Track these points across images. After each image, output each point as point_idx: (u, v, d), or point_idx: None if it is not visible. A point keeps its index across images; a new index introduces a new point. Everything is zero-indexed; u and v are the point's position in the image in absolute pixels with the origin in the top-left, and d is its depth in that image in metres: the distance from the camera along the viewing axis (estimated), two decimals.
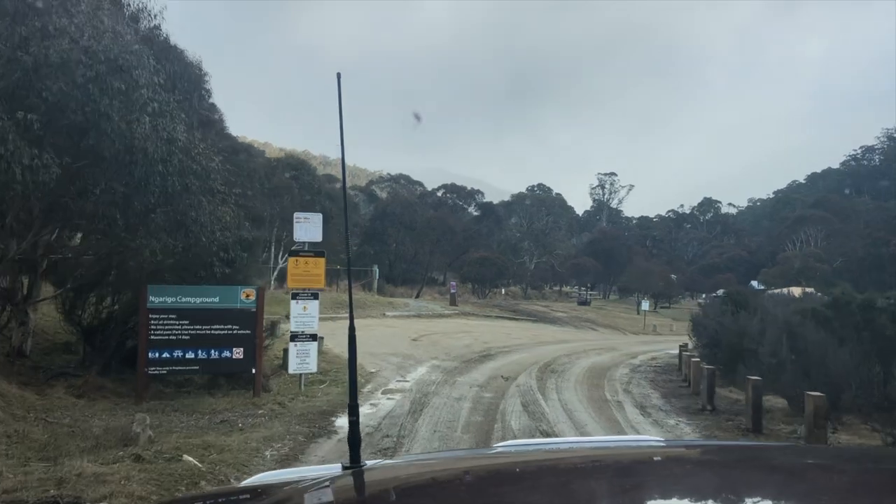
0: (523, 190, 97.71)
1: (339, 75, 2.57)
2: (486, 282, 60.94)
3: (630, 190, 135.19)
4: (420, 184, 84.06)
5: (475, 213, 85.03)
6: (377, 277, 45.52)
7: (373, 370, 18.53)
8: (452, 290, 43.98)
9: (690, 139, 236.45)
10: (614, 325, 40.43)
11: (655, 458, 2.13)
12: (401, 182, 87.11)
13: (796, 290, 69.18)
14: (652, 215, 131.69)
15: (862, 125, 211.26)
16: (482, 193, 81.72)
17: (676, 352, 28.52)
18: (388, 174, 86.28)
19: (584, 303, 58.39)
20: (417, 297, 52.54)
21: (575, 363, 22.53)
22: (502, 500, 1.65)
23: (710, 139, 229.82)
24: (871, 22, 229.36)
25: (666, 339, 36.51)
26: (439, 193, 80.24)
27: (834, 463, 2.07)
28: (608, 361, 23.85)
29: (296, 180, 42.85)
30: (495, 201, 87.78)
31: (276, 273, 45.07)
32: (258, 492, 1.86)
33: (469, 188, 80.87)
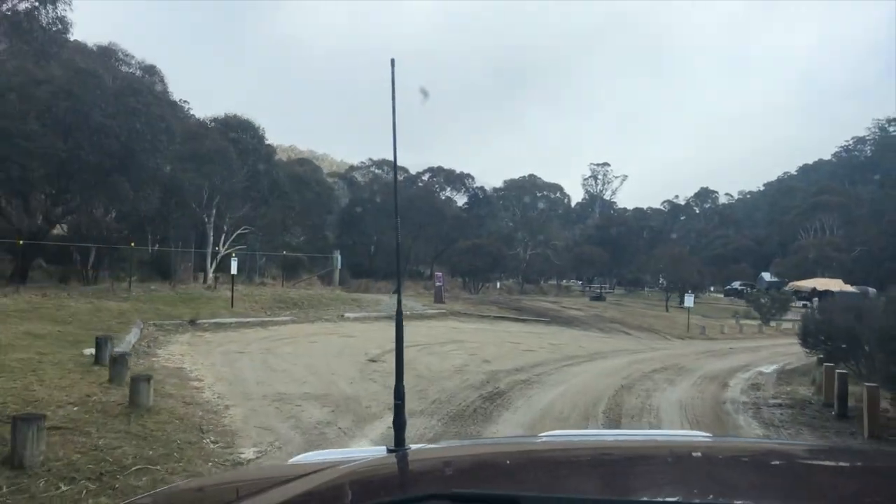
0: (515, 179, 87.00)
1: (392, 61, 2.42)
2: (479, 275, 49.96)
3: (623, 180, 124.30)
4: (405, 169, 72.93)
5: (465, 202, 74.24)
6: (339, 267, 34.61)
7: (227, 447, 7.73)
8: (438, 284, 33.05)
9: (681, 130, 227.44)
10: (648, 326, 29.62)
11: (698, 453, 1.99)
12: (383, 168, 76.00)
13: (824, 282, 58.44)
14: (645, 207, 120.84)
15: (852, 117, 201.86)
16: (472, 177, 70.78)
17: (770, 370, 18.17)
18: (371, 159, 75.17)
19: (597, 298, 47.36)
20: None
21: (655, 404, 11.79)
22: (543, 485, 1.59)
23: (701, 130, 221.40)
24: (858, 12, 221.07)
25: (729, 345, 25.71)
26: (425, 177, 69.25)
27: (880, 467, 1.91)
28: (708, 402, 12.99)
29: (235, 145, 31.89)
30: (487, 188, 76.94)
31: (215, 263, 34.04)
32: (306, 470, 1.75)
33: (458, 171, 69.84)
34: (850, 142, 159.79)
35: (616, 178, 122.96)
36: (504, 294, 49.88)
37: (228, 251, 34.95)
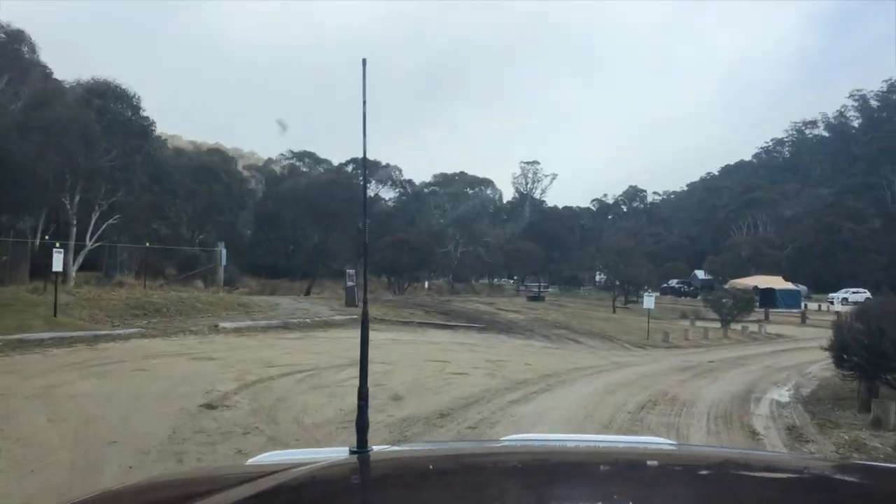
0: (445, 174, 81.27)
1: (364, 61, 2.34)
2: (405, 273, 43.88)
3: (553, 179, 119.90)
4: (327, 161, 66.37)
5: (392, 196, 68.26)
6: (223, 263, 27.96)
7: None
8: (350, 283, 26.83)
9: (609, 131, 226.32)
10: (600, 332, 24.20)
11: (655, 461, 1.93)
12: (305, 160, 69.30)
13: (765, 280, 54.47)
14: (574, 206, 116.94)
15: (771, 119, 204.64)
16: (400, 170, 64.78)
17: (785, 397, 13.08)
18: (291, 151, 68.21)
19: (536, 298, 41.73)
20: (308, 294, 35.39)
21: None
22: (503, 490, 1.55)
23: (628, 131, 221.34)
24: (776, 18, 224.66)
25: (705, 357, 20.48)
26: (349, 168, 62.85)
27: (846, 478, 1.84)
28: None
29: (102, 116, 25.08)
30: (416, 183, 71.10)
31: (79, 260, 27.12)
32: (265, 471, 1.65)
33: (385, 163, 63.69)
34: (770, 143, 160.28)
35: (546, 176, 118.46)
36: (433, 295, 44.04)
37: (99, 244, 28.08)
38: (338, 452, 1.97)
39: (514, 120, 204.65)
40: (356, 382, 8.71)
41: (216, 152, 63.90)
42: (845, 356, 12.30)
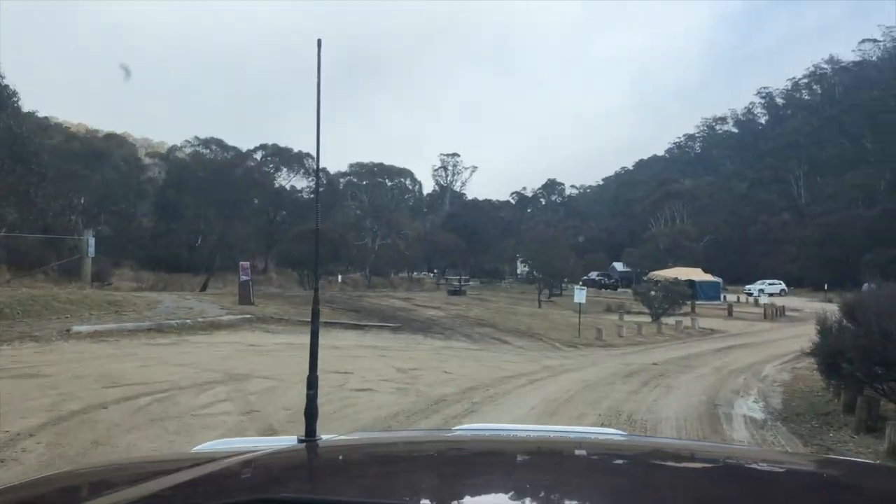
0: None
1: (319, 42, 2.34)
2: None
3: (473, 171, 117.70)
4: (235, 148, 61.76)
5: (306, 186, 64.21)
6: (91, 254, 23.91)
7: None
8: (244, 278, 23.30)
9: (528, 125, 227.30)
10: (527, 329, 21.57)
11: (609, 450, 1.93)
12: (211, 147, 64.44)
13: (685, 272, 53.50)
14: (494, 198, 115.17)
15: (682, 115, 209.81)
16: (313, 157, 60.76)
17: (759, 413, 10.58)
18: (197, 138, 63.17)
19: (456, 292, 38.72)
20: (204, 289, 31.62)
21: None
22: (452, 477, 1.53)
23: (547, 126, 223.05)
24: (686, 17, 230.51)
25: (648, 359, 18.10)
26: (257, 156, 58.59)
27: (788, 468, 1.88)
28: None
29: None
30: (331, 172, 67.22)
31: None
32: (211, 459, 1.63)
33: (297, 150, 59.66)
34: (682, 138, 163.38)
35: (466, 168, 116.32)
36: (347, 290, 40.70)
37: None
38: (287, 441, 1.97)
39: (434, 112, 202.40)
40: (218, 410, 8.98)
41: (112, 137, 58.48)
42: (836, 363, 9.93)
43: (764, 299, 42.44)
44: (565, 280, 47.81)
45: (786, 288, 61.74)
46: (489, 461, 1.74)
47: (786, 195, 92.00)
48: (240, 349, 15.24)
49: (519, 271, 62.92)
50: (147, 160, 65.96)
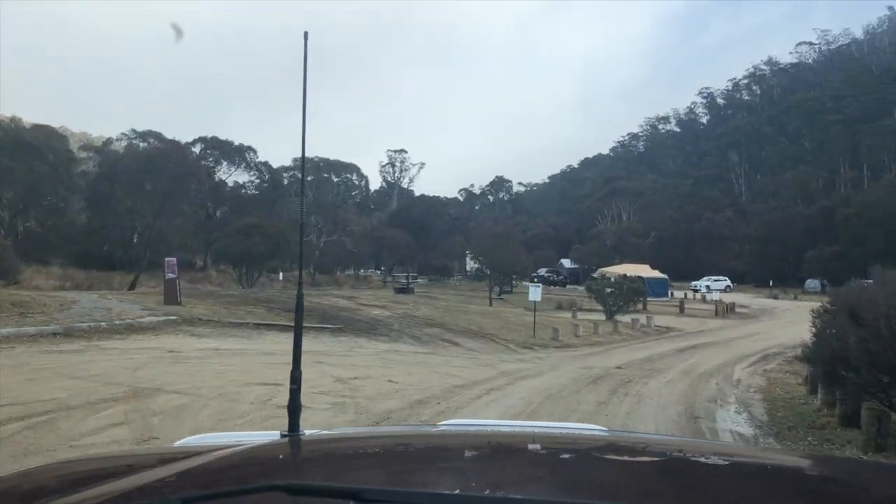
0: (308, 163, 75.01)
1: (305, 34, 2.30)
2: (256, 263, 38.03)
3: (421, 168, 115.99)
4: (174, 142, 58.76)
5: (248, 181, 61.67)
6: None
7: None
8: (170, 275, 21.11)
9: (476, 122, 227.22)
10: (479, 329, 20.08)
11: (591, 445, 1.92)
12: (149, 140, 61.29)
13: (634, 268, 52.94)
14: (442, 195, 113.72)
15: (626, 115, 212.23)
16: (255, 151, 58.29)
17: (750, 428, 9.06)
18: (134, 130, 59.89)
19: (404, 290, 36.91)
20: (133, 287, 29.31)
21: None
22: (435, 471, 1.54)
23: (494, 123, 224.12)
24: (628, 18, 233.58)
25: (612, 362, 16.78)
26: (196, 149, 55.75)
27: (768, 464, 1.82)
28: None
29: None
30: (274, 166, 64.68)
31: None
32: (194, 452, 1.61)
33: (238, 143, 57.04)
34: (626, 137, 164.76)
35: (413, 165, 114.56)
36: (288, 288, 38.58)
37: None
38: (270, 436, 1.94)
39: (382, 109, 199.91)
40: (106, 438, 7.38)
41: (40, 128, 54.91)
42: (835, 371, 8.64)
43: (716, 296, 41.91)
44: (515, 277, 46.63)
45: (731, 284, 61.79)
46: (473, 455, 1.76)
47: (728, 193, 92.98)
48: (156, 356, 13.29)
49: (468, 268, 61.56)
50: (81, 153, 62.45)
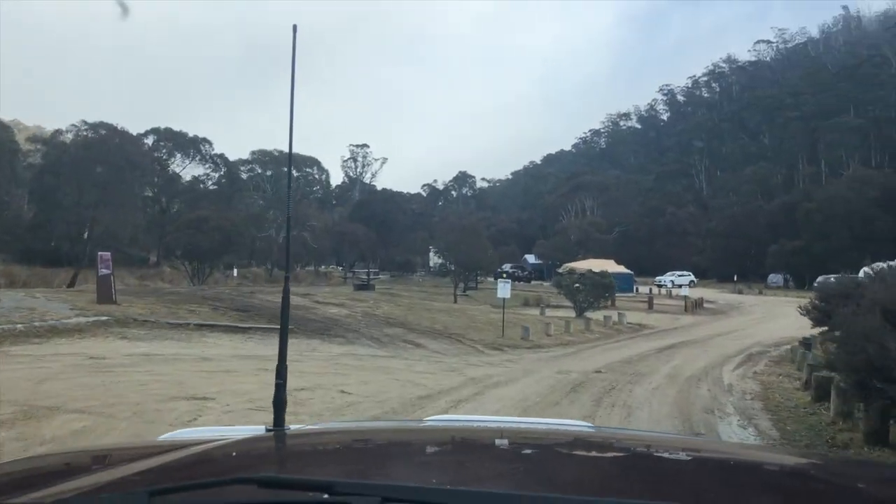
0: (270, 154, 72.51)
1: (294, 27, 2.26)
2: (207, 258, 35.85)
3: (384, 163, 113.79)
4: (122, 131, 55.90)
5: (204, 173, 59.20)
6: None
7: None
8: (103, 271, 19.09)
9: (439, 118, 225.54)
10: (444, 329, 18.54)
11: (577, 441, 1.89)
12: (100, 132, 58.30)
13: (598, 263, 51.89)
14: (405, 191, 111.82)
15: (588, 111, 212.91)
16: (210, 143, 55.86)
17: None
18: (84, 121, 56.78)
19: (364, 287, 35.08)
20: (72, 285, 27.17)
21: None
22: (419, 465, 1.52)
23: (457, 119, 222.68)
24: (589, 16, 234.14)
25: (590, 366, 15.34)
26: (149, 140, 53.11)
27: (752, 461, 1.81)
28: None
29: None
30: (231, 159, 62.24)
31: None
32: (178, 446, 1.60)
33: (192, 135, 54.54)
34: (588, 134, 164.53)
35: (376, 160, 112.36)
36: (244, 284, 36.56)
37: None
38: (255, 430, 1.91)
39: (344, 104, 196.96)
40: None
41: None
42: (866, 382, 7.26)
43: (685, 291, 40.93)
44: (481, 273, 45.08)
45: (695, 279, 61.16)
46: (454, 449, 1.73)
47: (690, 188, 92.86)
48: (74, 364, 11.44)
49: (432, 264, 59.92)
50: (28, 146, 59.26)
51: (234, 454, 1.55)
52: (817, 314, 15.34)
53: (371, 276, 44.27)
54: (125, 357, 12.49)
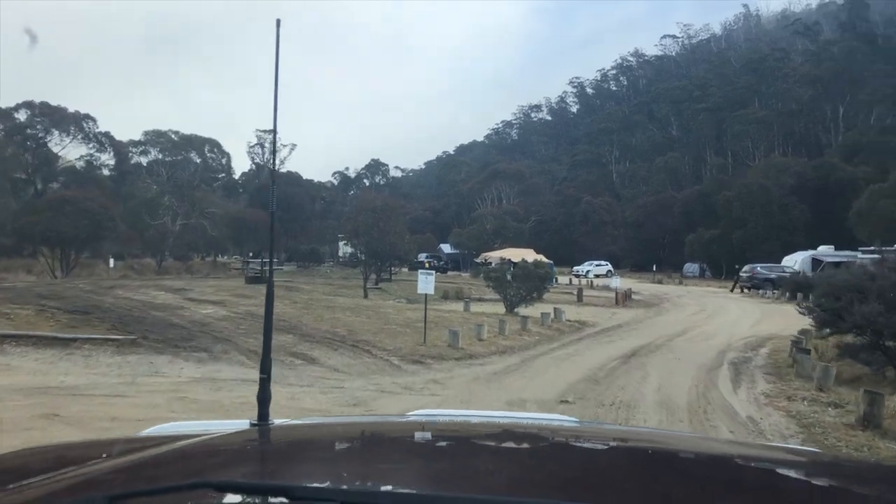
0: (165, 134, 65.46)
1: (278, 22, 2.21)
2: (71, 246, 29.92)
3: (293, 150, 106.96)
4: None
5: (88, 154, 52.18)
6: None
7: None
8: None
9: (348, 108, 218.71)
10: (348, 334, 14.10)
11: (561, 436, 1.85)
12: None
13: (518, 252, 48.41)
14: (315, 179, 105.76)
15: (500, 103, 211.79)
16: (94, 120, 48.99)
17: None
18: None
19: (258, 279, 29.46)
20: None
21: None
22: (403, 460, 1.49)
23: (368, 110, 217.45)
24: (504, 7, 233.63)
25: (541, 377, 11.23)
26: (20, 115, 45.85)
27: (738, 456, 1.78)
28: None
29: None
30: (121, 140, 55.32)
31: None
32: (161, 440, 1.56)
33: (73, 111, 47.55)
34: (500, 125, 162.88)
35: (284, 146, 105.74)
36: (128, 277, 30.85)
37: None
38: (239, 425, 1.88)
39: (251, 90, 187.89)
40: None
41: None
42: None
43: (616, 282, 37.80)
44: (395, 262, 40.60)
45: (612, 269, 58.70)
46: (445, 443, 1.72)
47: (604, 179, 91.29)
48: None
49: (342, 253, 55.00)
50: None
51: (209, 452, 1.49)
52: (824, 314, 11.90)
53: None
54: None
